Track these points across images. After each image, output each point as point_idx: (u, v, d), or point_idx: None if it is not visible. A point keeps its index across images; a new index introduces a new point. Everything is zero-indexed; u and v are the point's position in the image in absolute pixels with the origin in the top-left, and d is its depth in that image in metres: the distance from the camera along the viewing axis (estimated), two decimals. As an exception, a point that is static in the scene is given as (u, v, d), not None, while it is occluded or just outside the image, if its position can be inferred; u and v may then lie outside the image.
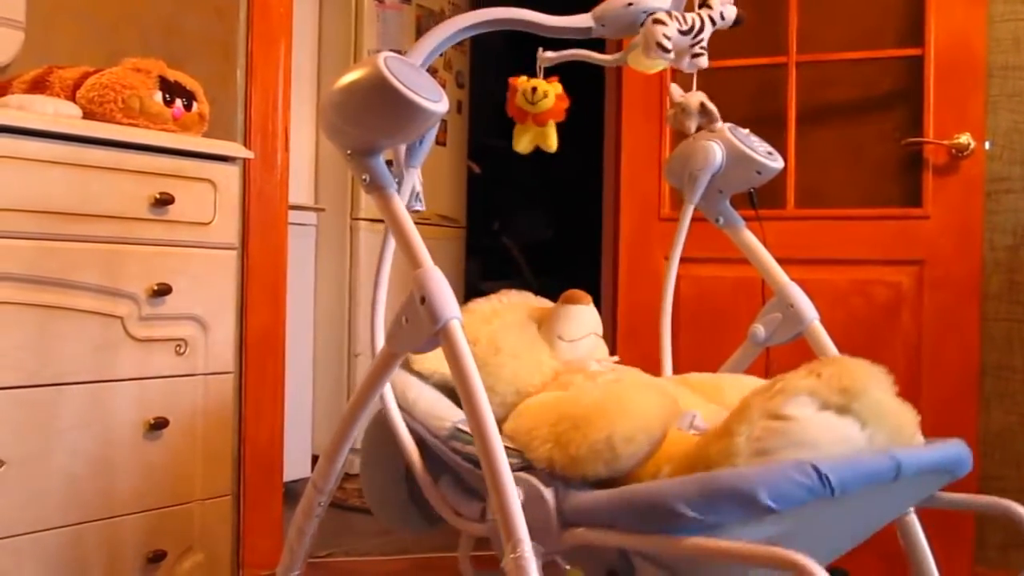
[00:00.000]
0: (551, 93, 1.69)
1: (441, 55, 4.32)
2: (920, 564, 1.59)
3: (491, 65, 5.25)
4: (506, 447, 1.36)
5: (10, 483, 1.81)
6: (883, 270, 2.63)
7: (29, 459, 1.83)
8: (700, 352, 2.64)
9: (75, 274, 1.88)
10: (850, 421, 1.19)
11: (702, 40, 1.55)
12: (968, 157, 2.52)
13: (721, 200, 1.84)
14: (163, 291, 2.02)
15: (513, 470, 1.31)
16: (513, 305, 1.76)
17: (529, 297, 1.82)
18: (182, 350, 2.08)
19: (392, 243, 1.58)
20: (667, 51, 1.51)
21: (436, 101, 1.26)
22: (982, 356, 2.53)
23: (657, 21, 1.50)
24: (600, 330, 1.74)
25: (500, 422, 1.47)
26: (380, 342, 1.57)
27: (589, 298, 1.70)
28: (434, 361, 1.62)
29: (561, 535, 1.31)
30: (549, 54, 1.71)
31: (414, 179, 1.54)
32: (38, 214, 1.83)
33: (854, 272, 2.65)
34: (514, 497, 1.14)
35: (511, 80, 1.73)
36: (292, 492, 2.80)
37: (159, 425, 2.03)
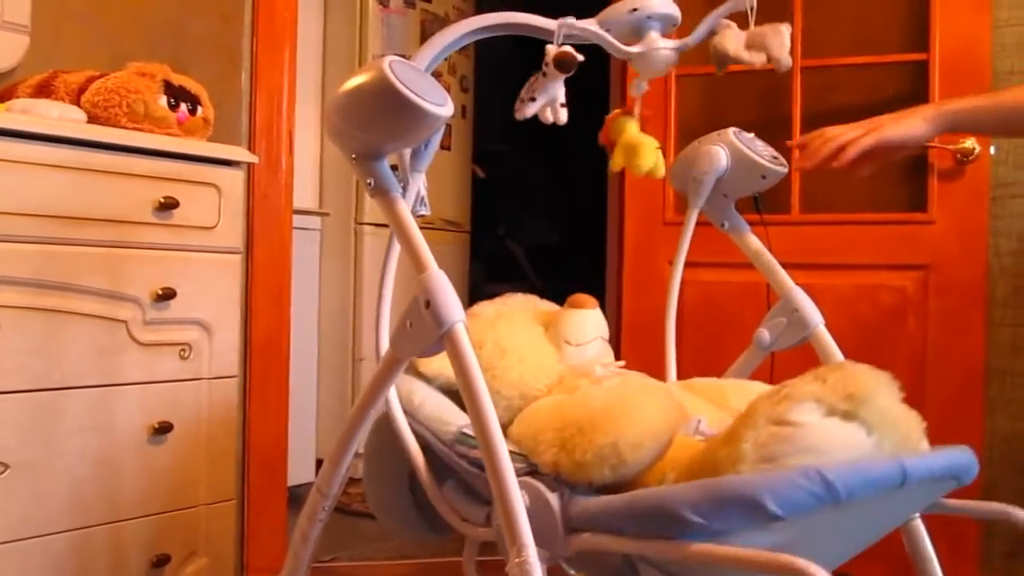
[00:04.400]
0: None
1: (446, 60, 4.32)
2: (926, 571, 1.59)
3: (496, 70, 5.25)
4: (512, 451, 1.35)
5: (15, 487, 1.81)
6: (888, 275, 2.63)
7: (34, 463, 1.83)
8: (705, 356, 2.64)
9: (79, 278, 1.89)
10: (856, 427, 1.18)
11: (532, 90, 1.54)
12: (973, 162, 2.52)
13: (726, 205, 1.84)
14: (167, 295, 2.02)
15: (519, 475, 1.30)
16: (518, 308, 1.76)
17: (534, 300, 1.82)
18: (186, 354, 2.08)
19: (396, 247, 1.58)
20: (516, 112, 1.54)
21: (441, 105, 1.25)
22: (987, 361, 2.53)
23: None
24: (606, 334, 1.73)
25: (505, 426, 1.47)
26: (384, 346, 1.57)
27: (595, 302, 1.70)
28: (439, 364, 1.61)
29: (566, 540, 1.30)
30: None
31: (419, 184, 1.54)
32: (42, 218, 1.83)
33: (859, 277, 2.64)
34: (519, 501, 1.14)
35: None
36: (296, 496, 2.80)
37: (163, 429, 2.03)
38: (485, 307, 1.76)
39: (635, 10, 1.52)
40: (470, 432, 1.48)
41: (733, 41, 1.59)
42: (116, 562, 1.97)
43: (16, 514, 1.81)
